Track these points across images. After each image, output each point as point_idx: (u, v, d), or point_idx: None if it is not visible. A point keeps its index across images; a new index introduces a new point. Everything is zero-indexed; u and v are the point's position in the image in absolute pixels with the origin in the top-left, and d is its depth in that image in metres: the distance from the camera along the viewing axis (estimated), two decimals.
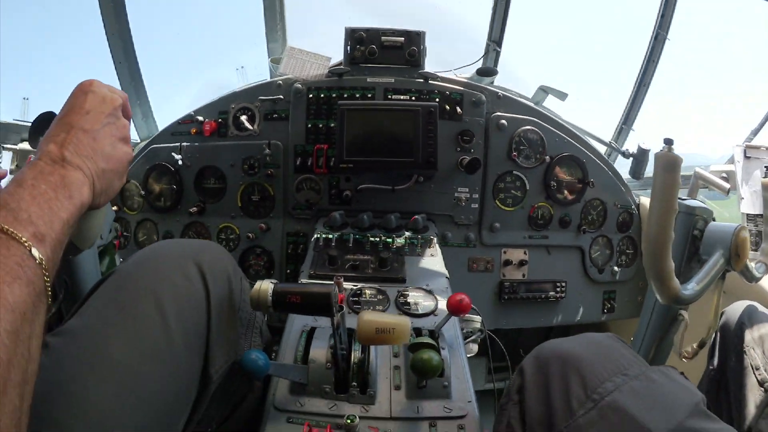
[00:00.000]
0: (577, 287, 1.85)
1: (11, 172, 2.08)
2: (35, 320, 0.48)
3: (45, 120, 1.65)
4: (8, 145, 2.09)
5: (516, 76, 1.95)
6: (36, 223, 0.51)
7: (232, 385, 0.85)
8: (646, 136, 2.20)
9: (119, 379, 0.62)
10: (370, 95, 1.65)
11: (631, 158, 1.93)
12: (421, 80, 1.66)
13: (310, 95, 1.66)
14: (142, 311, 0.68)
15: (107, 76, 1.98)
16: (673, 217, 0.94)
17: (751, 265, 1.24)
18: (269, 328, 0.99)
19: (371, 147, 1.50)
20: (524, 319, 1.79)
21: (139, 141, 2.10)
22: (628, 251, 1.92)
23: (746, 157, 1.99)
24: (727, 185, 1.89)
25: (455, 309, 0.92)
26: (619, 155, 1.98)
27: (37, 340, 0.49)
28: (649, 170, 2.01)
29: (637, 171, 1.94)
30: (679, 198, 1.25)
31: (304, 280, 1.25)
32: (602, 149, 1.97)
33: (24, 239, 0.49)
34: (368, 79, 1.66)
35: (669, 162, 0.89)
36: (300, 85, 1.66)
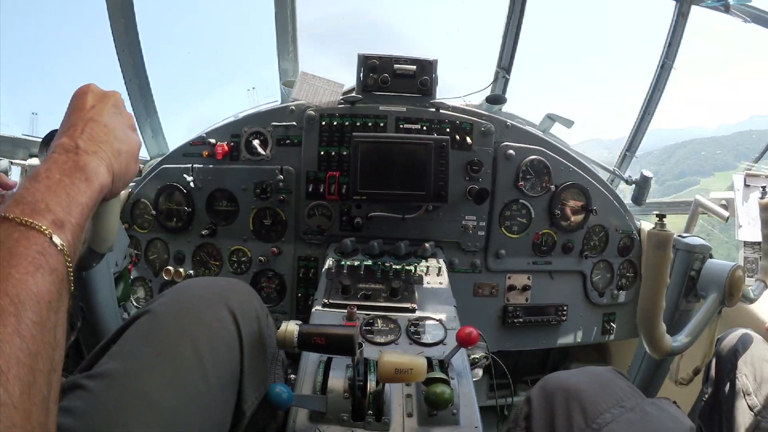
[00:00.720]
0: (578, 310, 1.95)
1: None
2: (60, 308, 0.49)
3: (52, 139, 1.71)
4: (17, 161, 2.13)
5: (524, 100, 2.02)
6: (54, 210, 0.52)
7: (257, 416, 0.92)
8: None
9: (161, 422, 0.68)
10: (382, 124, 1.72)
11: (633, 185, 2.02)
12: (433, 110, 1.73)
13: (323, 122, 1.73)
14: (180, 354, 0.74)
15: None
16: (664, 289, 1.04)
17: (747, 288, 1.34)
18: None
19: (384, 179, 1.58)
20: (527, 342, 1.89)
21: (149, 159, 2.16)
22: (628, 274, 2.02)
23: (746, 185, 2.08)
24: (726, 213, 1.99)
25: (464, 341, 1.01)
26: (622, 181, 2.06)
27: (62, 326, 0.50)
28: (651, 196, 2.10)
29: (639, 197, 2.04)
30: (679, 235, 1.35)
31: (318, 308, 1.32)
32: (605, 175, 2.05)
33: (44, 227, 0.50)
34: (380, 108, 1.73)
35: (660, 240, 0.99)
36: (313, 112, 1.73)
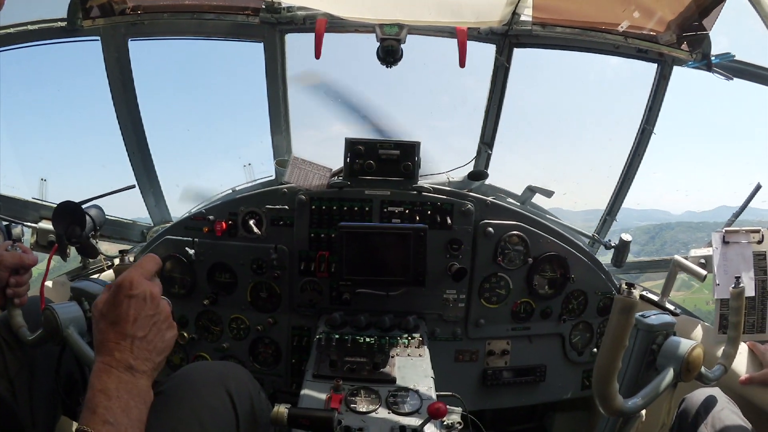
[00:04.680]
0: (557, 369, 2.28)
1: (32, 246, 2.51)
2: None
3: (65, 209, 2.09)
4: (28, 223, 2.51)
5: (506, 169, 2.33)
6: None
7: None
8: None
9: None
10: (367, 208, 2.06)
11: (612, 249, 2.32)
12: (415, 192, 2.05)
13: (313, 206, 2.07)
14: (189, 430, 1.01)
15: (121, 164, 2.39)
16: (621, 351, 1.26)
17: (707, 371, 1.61)
18: None
19: (367, 265, 1.92)
20: (506, 400, 2.24)
21: (153, 225, 2.52)
22: None
23: (725, 243, 2.34)
24: (703, 272, 2.27)
25: (434, 414, 1.35)
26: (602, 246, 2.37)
27: None
28: (631, 256, 2.39)
29: (618, 260, 2.34)
30: (642, 315, 1.62)
31: (309, 379, 1.67)
32: (586, 240, 2.35)
33: None
34: (366, 192, 2.06)
35: (625, 306, 1.18)
36: (303, 197, 2.06)
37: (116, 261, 2.28)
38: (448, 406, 1.67)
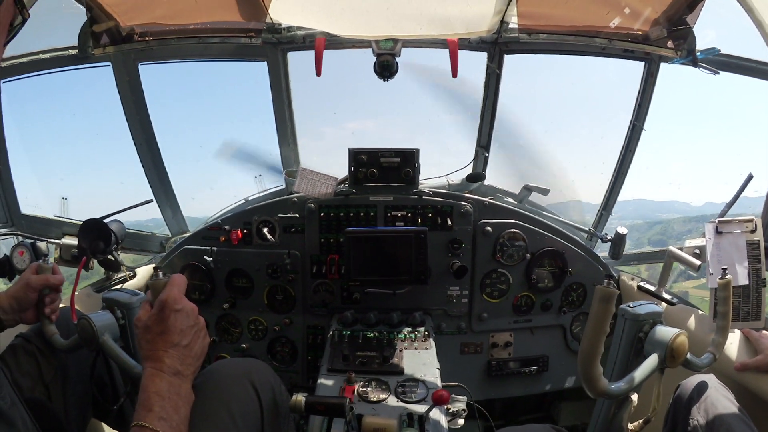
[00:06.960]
0: (559, 359, 2.52)
1: (56, 260, 2.80)
2: None
3: (90, 226, 2.36)
4: (52, 239, 2.81)
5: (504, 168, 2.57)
6: (179, 428, 1.02)
7: None
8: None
9: None
10: (372, 213, 2.32)
11: (609, 242, 2.55)
12: (416, 197, 2.31)
13: (322, 213, 2.33)
14: (219, 419, 1.18)
15: (139, 179, 2.67)
16: (603, 336, 1.42)
17: (695, 358, 1.81)
18: None
19: (373, 266, 2.18)
20: (511, 390, 2.49)
21: (170, 236, 2.80)
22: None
23: (718, 233, 2.55)
24: (697, 262, 2.48)
25: (437, 401, 1.58)
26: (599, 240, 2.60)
27: None
28: (629, 248, 2.62)
29: (615, 253, 2.57)
30: (628, 305, 1.84)
31: (324, 373, 1.91)
32: (583, 235, 2.59)
33: None
34: (370, 198, 2.31)
35: (604, 295, 1.30)
36: (312, 205, 2.33)
37: (138, 271, 2.60)
38: (454, 395, 1.92)
